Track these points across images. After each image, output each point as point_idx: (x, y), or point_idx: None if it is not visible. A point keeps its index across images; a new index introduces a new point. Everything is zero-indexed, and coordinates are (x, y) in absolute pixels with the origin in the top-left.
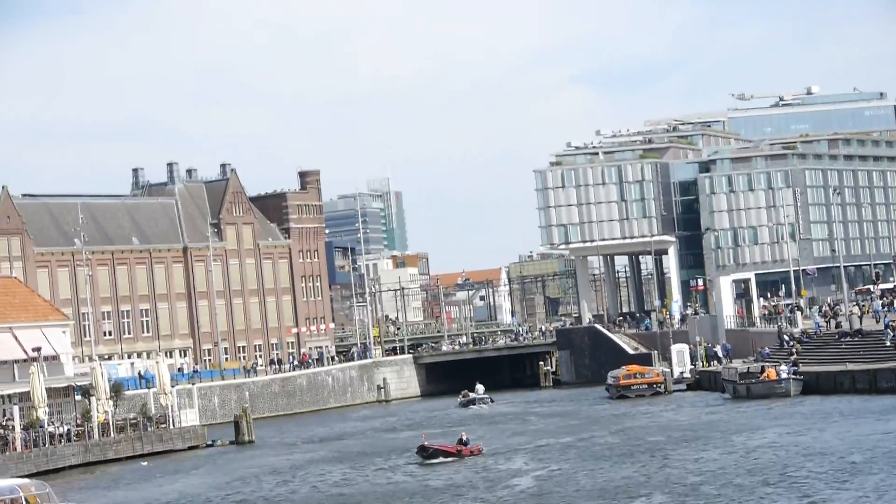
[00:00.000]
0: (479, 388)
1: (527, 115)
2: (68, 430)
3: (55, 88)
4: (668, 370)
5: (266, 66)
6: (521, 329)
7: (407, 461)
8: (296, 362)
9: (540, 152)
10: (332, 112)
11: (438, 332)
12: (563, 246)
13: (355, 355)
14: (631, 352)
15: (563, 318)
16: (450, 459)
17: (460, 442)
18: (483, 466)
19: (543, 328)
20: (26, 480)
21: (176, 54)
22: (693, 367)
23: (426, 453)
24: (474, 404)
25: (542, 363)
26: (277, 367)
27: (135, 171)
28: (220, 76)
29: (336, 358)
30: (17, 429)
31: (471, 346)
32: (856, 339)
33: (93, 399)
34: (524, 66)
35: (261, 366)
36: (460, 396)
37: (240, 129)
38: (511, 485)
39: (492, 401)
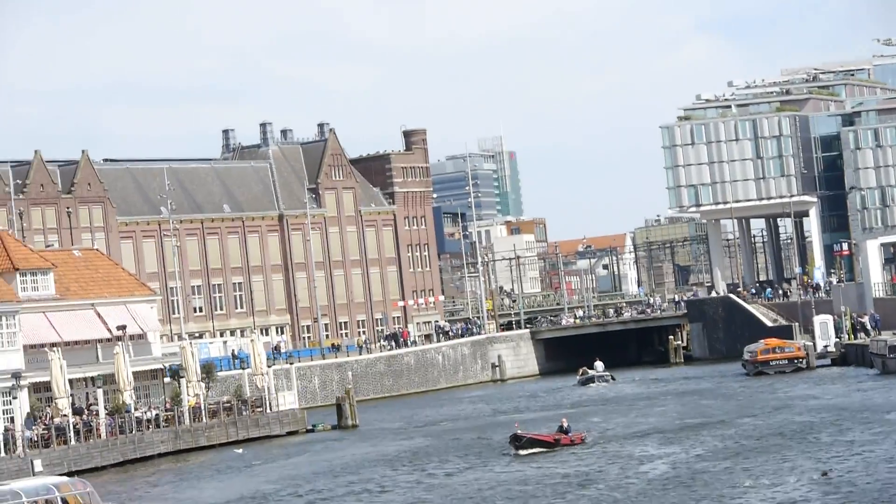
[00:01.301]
0: (599, 365)
1: (650, 66)
2: (156, 415)
3: (139, 47)
4: (811, 344)
5: (366, 18)
6: (648, 300)
7: (500, 451)
8: (384, 339)
9: (667, 106)
10: (438, 67)
11: (558, 304)
12: (693, 208)
13: (458, 331)
14: (769, 324)
15: (693, 287)
16: (544, 450)
17: (560, 430)
18: (582, 458)
19: (674, 298)
20: (65, 479)
21: (269, 8)
22: (838, 340)
23: (519, 443)
24: (593, 382)
25: (671, 337)
26: (393, 343)
27: (225, 132)
28: (317, 30)
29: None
30: (102, 414)
31: (593, 319)
32: None
33: (183, 381)
34: (645, 13)
35: (358, 343)
36: (578, 374)
37: (338, 85)
38: (611, 482)
39: (613, 378)
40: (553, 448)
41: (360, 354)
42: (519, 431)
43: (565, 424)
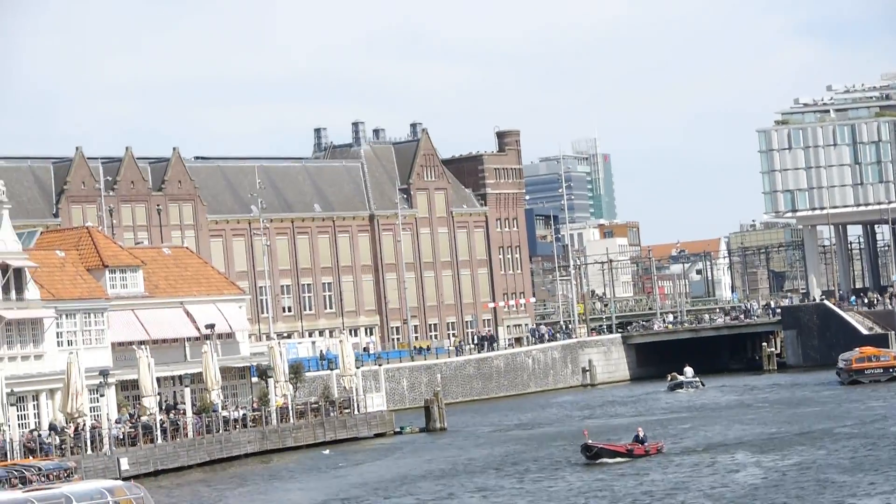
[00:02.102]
0: (688, 370)
1: (749, 69)
2: (244, 414)
3: (232, 44)
4: None
5: (459, 18)
6: (744, 306)
7: (570, 461)
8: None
9: (764, 110)
10: (532, 67)
11: (650, 308)
12: (789, 214)
13: (541, 336)
14: (865, 332)
15: (788, 293)
16: (617, 460)
17: (636, 439)
18: (653, 469)
19: (768, 304)
20: (119, 483)
21: (363, 6)
22: None
23: (590, 453)
24: (681, 388)
25: (765, 344)
26: (486, 345)
27: (317, 131)
28: (409, 29)
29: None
30: (189, 413)
31: (685, 324)
32: None
33: (270, 381)
34: (744, 16)
35: (453, 345)
36: (668, 379)
37: (431, 85)
38: (691, 495)
39: (702, 384)
40: (626, 458)
41: (458, 356)
42: (589, 441)
43: (641, 434)
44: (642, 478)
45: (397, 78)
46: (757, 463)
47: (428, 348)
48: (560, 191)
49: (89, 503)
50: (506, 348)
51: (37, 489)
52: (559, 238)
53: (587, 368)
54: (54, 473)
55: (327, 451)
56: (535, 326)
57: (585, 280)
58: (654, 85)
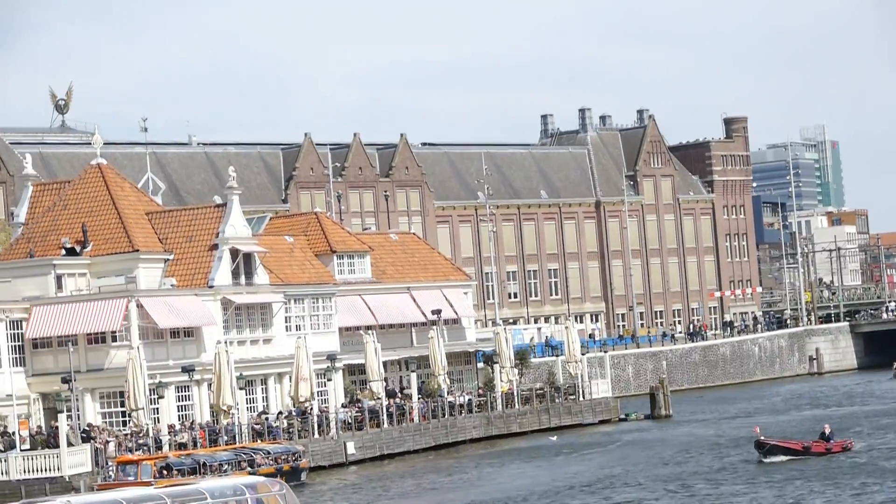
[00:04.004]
0: None
1: None
2: (469, 400)
3: (455, 31)
4: None
5: (685, 4)
6: None
7: (744, 458)
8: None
9: None
10: (757, 53)
11: (878, 297)
12: None
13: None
14: None
15: None
16: (789, 458)
17: (822, 436)
18: (833, 469)
19: None
20: (262, 479)
21: None
22: None
23: (763, 449)
24: None
25: None
26: (697, 336)
27: (543, 117)
28: (635, 15)
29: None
30: (415, 398)
31: None
32: None
33: (496, 367)
34: None
35: (679, 332)
36: (893, 368)
37: (658, 71)
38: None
39: None
40: (801, 455)
41: (695, 342)
42: (762, 438)
43: (828, 431)
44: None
45: (624, 64)
46: None
47: (653, 335)
48: (787, 178)
49: (227, 500)
50: (730, 336)
51: (173, 484)
52: (786, 226)
53: (814, 357)
54: (283, 456)
55: (554, 438)
56: (759, 315)
57: (813, 268)
58: (883, 69)
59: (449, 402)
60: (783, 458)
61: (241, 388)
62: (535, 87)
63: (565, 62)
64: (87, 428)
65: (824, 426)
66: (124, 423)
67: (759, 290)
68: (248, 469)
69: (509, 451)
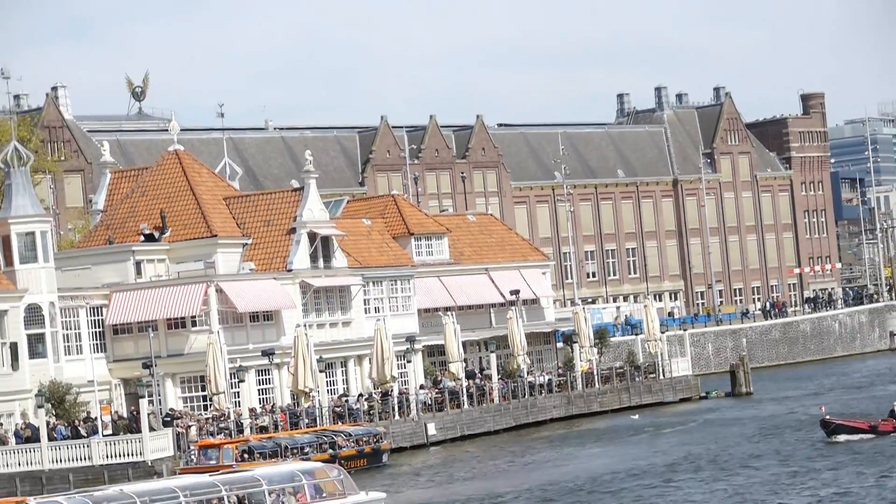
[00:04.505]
0: None
1: None
2: (549, 379)
3: (530, 10)
4: None
5: None
6: None
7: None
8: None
9: None
10: (834, 28)
11: None
12: None
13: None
14: None
15: None
16: (858, 437)
17: (892, 415)
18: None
19: None
20: (319, 464)
21: None
22: None
23: (828, 429)
24: None
25: None
26: (775, 313)
27: (620, 96)
28: None
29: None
30: (495, 378)
31: None
32: None
33: (575, 346)
34: None
35: (758, 310)
36: None
37: (734, 48)
38: None
39: None
40: (868, 434)
41: (775, 319)
42: (827, 417)
43: None
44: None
45: (700, 42)
46: None
47: (733, 313)
48: (866, 153)
49: (283, 485)
50: (811, 312)
51: (229, 472)
52: (865, 201)
53: (895, 333)
54: (364, 438)
55: (636, 416)
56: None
57: (892, 243)
58: None
59: (529, 382)
60: (851, 436)
61: (321, 371)
62: (611, 65)
63: (641, 41)
64: (170, 412)
65: (894, 404)
66: (205, 408)
67: (839, 266)
68: (330, 451)
69: (590, 430)
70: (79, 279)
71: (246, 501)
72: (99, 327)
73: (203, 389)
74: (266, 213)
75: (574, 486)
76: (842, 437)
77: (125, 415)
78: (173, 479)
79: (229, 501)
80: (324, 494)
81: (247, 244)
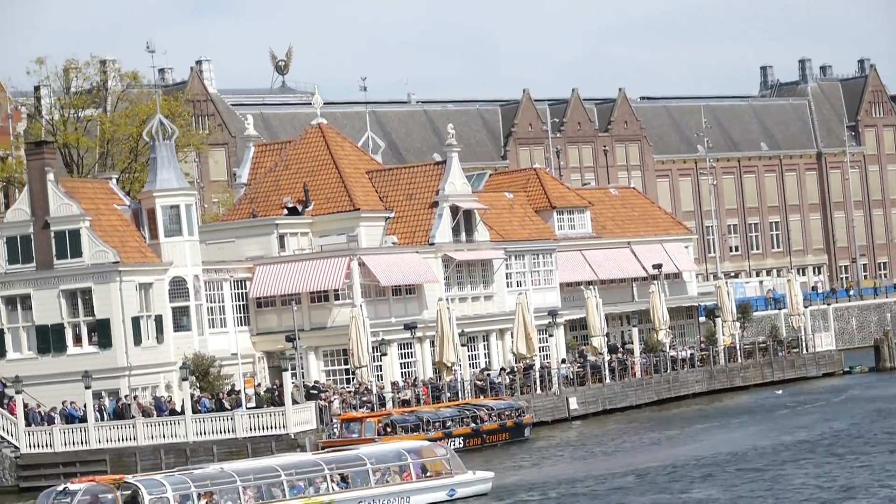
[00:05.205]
0: None
1: None
2: (691, 354)
3: None
4: None
5: None
6: None
7: None
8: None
9: None
10: None
11: None
12: None
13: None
14: None
15: None
16: None
17: None
18: None
19: None
20: (425, 443)
21: None
22: None
23: None
24: None
25: None
26: None
27: (763, 69)
28: None
29: None
30: (637, 353)
31: None
32: None
33: (718, 321)
34: None
35: None
36: None
37: (879, 19)
38: None
39: None
40: None
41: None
42: None
43: None
44: None
45: (843, 13)
46: None
47: (878, 287)
48: None
49: (388, 464)
50: None
51: (332, 451)
52: None
53: None
54: (506, 412)
55: (780, 392)
56: None
57: None
58: None
59: (671, 356)
60: None
61: (462, 345)
62: (754, 38)
63: (784, 12)
64: (315, 384)
65: None
66: (347, 381)
67: None
68: (472, 426)
69: (733, 405)
70: (223, 252)
71: (349, 480)
72: (242, 300)
73: (345, 363)
74: (408, 186)
75: (716, 461)
76: None
77: (268, 387)
78: (275, 457)
79: (331, 480)
80: (429, 473)
81: (389, 218)
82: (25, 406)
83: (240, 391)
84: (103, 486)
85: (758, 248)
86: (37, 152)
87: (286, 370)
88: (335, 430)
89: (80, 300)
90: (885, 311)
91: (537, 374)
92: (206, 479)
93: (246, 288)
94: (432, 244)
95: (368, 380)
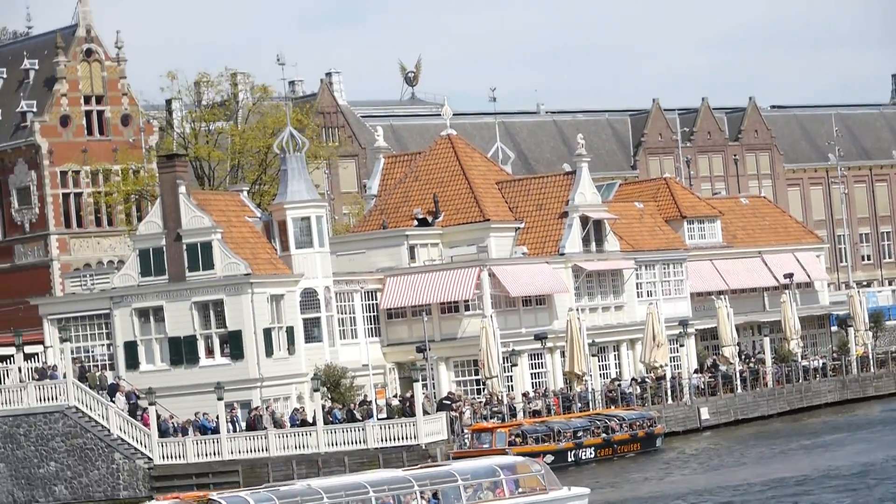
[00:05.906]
0: None
1: None
2: (823, 363)
3: None
4: None
5: None
6: None
7: None
8: None
9: None
10: None
11: None
12: None
13: None
14: None
15: None
16: None
17: None
18: None
19: None
20: (521, 458)
21: None
22: None
23: None
24: None
25: None
26: None
27: (894, 76)
28: None
29: None
30: (768, 362)
31: None
32: None
33: (850, 330)
34: None
35: None
36: None
37: None
38: None
39: None
40: None
41: None
42: None
43: None
44: None
45: None
46: None
47: None
48: None
49: (480, 480)
50: None
51: (423, 467)
52: None
53: None
54: (637, 423)
55: None
56: None
57: None
58: None
59: (803, 366)
60: None
61: (593, 355)
62: (886, 45)
63: None
64: (449, 395)
65: None
66: (478, 392)
67: None
68: (603, 436)
69: (865, 415)
70: (353, 264)
71: (440, 497)
72: (373, 311)
73: (476, 373)
74: (538, 196)
75: (850, 472)
76: None
77: (399, 398)
78: (364, 473)
79: (422, 497)
80: (523, 490)
81: (519, 228)
82: (158, 417)
83: (371, 402)
84: (187, 502)
85: (890, 257)
86: (168, 165)
87: (417, 381)
88: (466, 440)
89: (212, 312)
90: None
91: (668, 384)
92: (293, 496)
93: (376, 299)
94: (562, 254)
95: (499, 390)
